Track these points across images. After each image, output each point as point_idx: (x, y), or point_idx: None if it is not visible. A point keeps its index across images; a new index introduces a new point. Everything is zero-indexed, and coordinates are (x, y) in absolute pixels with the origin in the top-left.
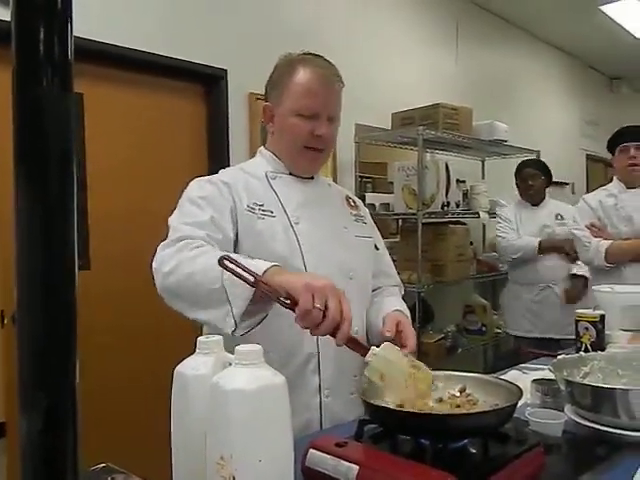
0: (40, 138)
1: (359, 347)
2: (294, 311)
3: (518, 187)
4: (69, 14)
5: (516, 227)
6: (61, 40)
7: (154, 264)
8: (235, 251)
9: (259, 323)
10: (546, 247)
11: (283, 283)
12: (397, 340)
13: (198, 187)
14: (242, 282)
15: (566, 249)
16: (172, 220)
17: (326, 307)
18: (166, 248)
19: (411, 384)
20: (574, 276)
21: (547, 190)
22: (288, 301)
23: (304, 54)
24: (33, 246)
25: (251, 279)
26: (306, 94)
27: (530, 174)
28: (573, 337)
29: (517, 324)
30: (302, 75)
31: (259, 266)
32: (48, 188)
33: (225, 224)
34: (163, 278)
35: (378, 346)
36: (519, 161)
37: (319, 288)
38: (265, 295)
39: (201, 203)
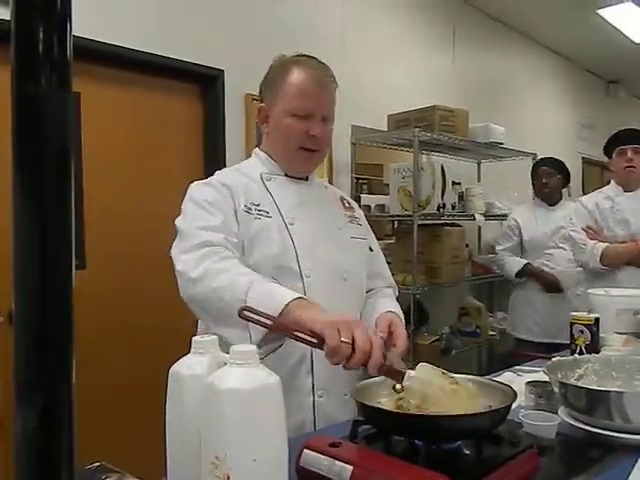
0: (38, 137)
1: (394, 373)
2: (321, 348)
3: (533, 186)
4: (68, 13)
5: (519, 235)
6: (60, 39)
7: (178, 267)
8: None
9: (278, 348)
10: (527, 273)
11: (307, 322)
12: (388, 340)
13: (201, 191)
14: (271, 302)
15: (548, 282)
16: (181, 224)
17: (353, 340)
18: (188, 252)
19: (455, 401)
20: None
21: (564, 191)
22: (314, 340)
23: (298, 55)
24: (30, 245)
25: (269, 323)
26: (300, 94)
27: (545, 172)
28: None
29: (524, 327)
30: (296, 76)
31: (281, 299)
32: (46, 187)
33: (233, 227)
34: (189, 284)
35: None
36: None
37: (344, 323)
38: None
39: (208, 207)
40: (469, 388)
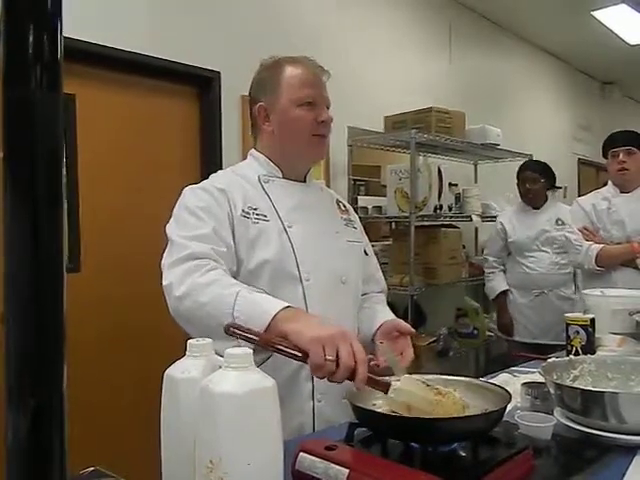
0: (28, 139)
1: (379, 385)
2: (306, 363)
3: (519, 189)
4: (58, 15)
5: (504, 239)
6: (50, 41)
7: (164, 282)
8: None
9: (268, 359)
10: (498, 300)
11: (292, 336)
12: (394, 346)
13: (194, 196)
14: (254, 323)
15: (501, 321)
16: (171, 232)
17: (338, 355)
18: (175, 267)
19: (439, 412)
20: None
21: (550, 192)
22: (299, 354)
23: (286, 57)
24: (21, 248)
25: (256, 339)
26: (303, 84)
27: (529, 177)
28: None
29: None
30: (294, 69)
31: (267, 312)
32: (36, 189)
33: (225, 234)
34: (175, 302)
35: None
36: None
37: (328, 338)
38: None
39: (200, 214)
40: (454, 398)
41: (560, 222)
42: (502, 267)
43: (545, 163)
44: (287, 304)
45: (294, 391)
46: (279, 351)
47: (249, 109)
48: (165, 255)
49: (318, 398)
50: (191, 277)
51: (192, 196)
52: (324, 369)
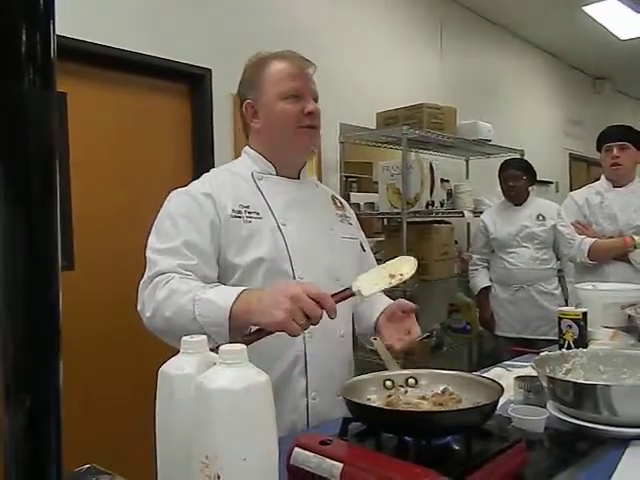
0: (22, 137)
1: (343, 294)
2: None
3: (501, 187)
4: (51, 13)
5: (487, 236)
6: (43, 39)
7: (138, 305)
8: (219, 261)
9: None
10: (480, 296)
11: (262, 325)
12: (401, 327)
13: (177, 202)
14: (217, 322)
15: (483, 317)
16: (149, 243)
17: (305, 313)
18: (144, 289)
19: (394, 273)
20: None
21: (531, 188)
22: (272, 330)
23: (270, 53)
24: (15, 246)
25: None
26: (287, 77)
27: (512, 175)
28: (546, 338)
29: (496, 324)
30: (278, 64)
31: (224, 307)
32: (30, 188)
33: (202, 244)
34: (148, 322)
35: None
36: (503, 160)
37: (290, 310)
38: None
39: (179, 221)
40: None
41: (541, 217)
42: (485, 264)
43: (526, 161)
44: (237, 292)
45: (288, 388)
46: (263, 336)
47: (240, 107)
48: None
49: (312, 395)
50: (154, 295)
51: (175, 202)
52: (300, 330)
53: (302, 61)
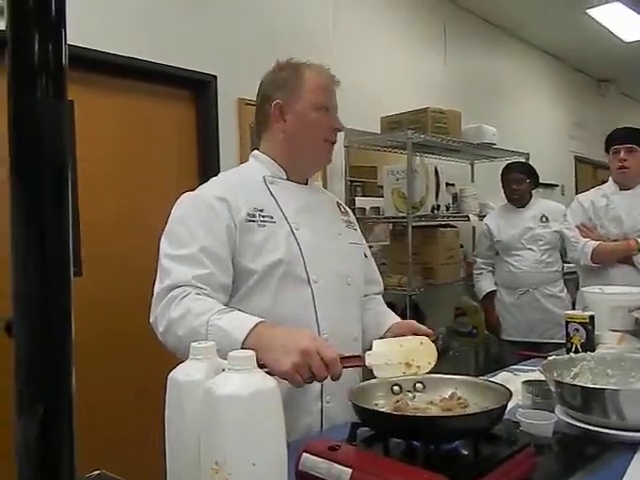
0: (35, 146)
1: (354, 362)
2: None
3: (504, 190)
4: (63, 23)
5: (491, 239)
6: (55, 49)
7: (151, 318)
8: (234, 266)
9: None
10: (485, 300)
11: (269, 367)
12: None
13: (191, 205)
14: (229, 343)
15: (489, 321)
16: (161, 248)
17: (312, 370)
18: (158, 301)
19: (412, 357)
20: None
21: (535, 191)
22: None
23: (302, 61)
24: (28, 254)
25: None
26: (323, 89)
27: (515, 179)
28: (552, 341)
29: (501, 328)
30: (313, 73)
31: (237, 341)
32: (43, 195)
33: (218, 249)
34: (161, 337)
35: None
36: (505, 164)
37: (297, 363)
38: None
39: (192, 227)
40: (428, 349)
41: (544, 219)
42: (490, 268)
43: (529, 164)
44: (251, 324)
45: (303, 392)
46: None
47: (259, 106)
48: (156, 281)
49: (327, 399)
50: (168, 312)
51: (189, 205)
52: (303, 384)
53: (331, 77)
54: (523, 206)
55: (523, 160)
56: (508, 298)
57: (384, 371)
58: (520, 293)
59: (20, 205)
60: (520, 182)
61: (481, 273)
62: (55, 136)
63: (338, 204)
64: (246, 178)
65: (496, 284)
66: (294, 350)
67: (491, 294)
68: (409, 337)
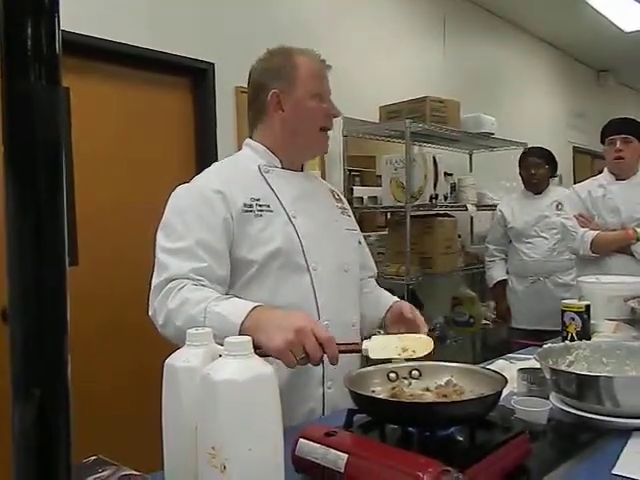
0: (29, 133)
1: (348, 349)
2: None
3: (521, 176)
4: (56, 9)
5: (504, 225)
6: (49, 35)
7: (150, 311)
8: (231, 258)
9: None
10: (496, 288)
11: (264, 348)
12: (410, 325)
13: (185, 198)
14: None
15: (499, 311)
16: (158, 241)
17: (306, 350)
18: (155, 294)
19: (408, 344)
20: None
21: (552, 180)
22: (269, 355)
23: (294, 47)
24: (23, 242)
25: None
26: (316, 75)
27: (533, 163)
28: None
29: (512, 315)
30: (306, 60)
31: (234, 325)
32: (37, 184)
33: (215, 243)
34: (160, 329)
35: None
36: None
37: (292, 342)
38: None
39: (188, 219)
40: (424, 341)
41: (560, 206)
42: (503, 255)
43: (549, 150)
44: (248, 308)
45: (305, 377)
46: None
47: (253, 95)
48: (153, 274)
49: (328, 385)
50: (166, 304)
51: (184, 198)
52: (298, 366)
53: (323, 62)
54: (539, 192)
55: (524, 149)
56: (519, 286)
57: (380, 353)
58: (531, 282)
59: (14, 194)
60: (538, 167)
61: (493, 260)
62: (49, 123)
63: (332, 191)
64: (241, 168)
65: (507, 272)
66: (288, 328)
67: (502, 282)
68: (408, 334)
